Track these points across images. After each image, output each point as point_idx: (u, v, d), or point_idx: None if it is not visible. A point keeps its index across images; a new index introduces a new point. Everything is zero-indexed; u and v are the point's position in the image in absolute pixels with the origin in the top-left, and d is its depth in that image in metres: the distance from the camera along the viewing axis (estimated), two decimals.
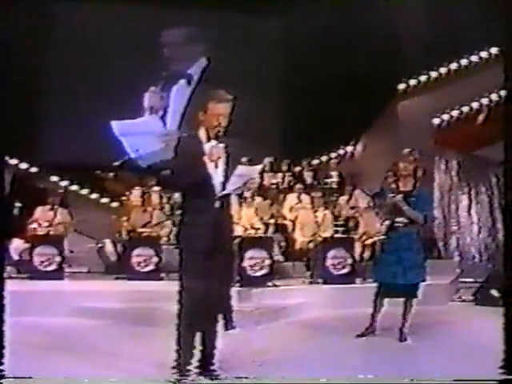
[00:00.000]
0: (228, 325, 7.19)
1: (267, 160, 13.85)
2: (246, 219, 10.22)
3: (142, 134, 4.99)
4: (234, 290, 7.49)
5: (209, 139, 4.84)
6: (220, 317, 4.98)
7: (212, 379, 4.80)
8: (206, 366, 4.88)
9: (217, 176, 4.80)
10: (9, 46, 4.24)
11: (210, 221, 4.72)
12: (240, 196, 5.12)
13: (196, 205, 4.78)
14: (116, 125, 5.05)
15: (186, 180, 4.74)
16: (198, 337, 4.87)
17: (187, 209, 4.89)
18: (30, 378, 4.28)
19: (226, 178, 4.80)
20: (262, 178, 13.49)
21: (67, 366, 5.36)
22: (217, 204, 4.78)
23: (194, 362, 4.84)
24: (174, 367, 4.75)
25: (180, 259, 4.84)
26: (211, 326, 4.91)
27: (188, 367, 4.78)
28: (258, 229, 10.36)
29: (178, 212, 4.93)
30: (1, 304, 3.98)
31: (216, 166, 4.80)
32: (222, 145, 4.83)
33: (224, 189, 4.79)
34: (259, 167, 5.02)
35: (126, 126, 5.07)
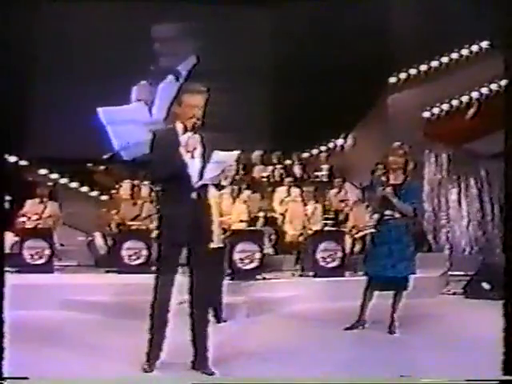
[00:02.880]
0: (219, 318, 7.24)
1: (257, 153, 13.83)
2: (236, 213, 10.20)
3: (129, 122, 5.02)
4: (225, 283, 7.61)
5: (185, 131, 4.88)
6: (210, 310, 4.99)
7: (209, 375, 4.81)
8: (199, 361, 4.88)
9: (193, 167, 4.82)
10: None
11: (188, 212, 4.76)
12: (217, 186, 5.25)
13: (173, 196, 4.84)
14: (103, 112, 5.09)
15: (163, 171, 4.80)
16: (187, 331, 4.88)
17: (165, 201, 4.97)
18: (29, 378, 4.28)
19: (203, 168, 4.83)
20: (252, 170, 13.52)
21: (57, 359, 5.36)
22: (193, 195, 4.81)
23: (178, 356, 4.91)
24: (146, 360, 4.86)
25: (158, 251, 4.95)
26: (199, 320, 4.90)
27: (156, 359, 4.87)
28: (246, 221, 10.34)
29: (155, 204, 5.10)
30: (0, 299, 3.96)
31: (192, 157, 4.82)
32: (197, 136, 4.86)
33: (201, 179, 4.82)
34: (236, 153, 5.02)
35: (112, 112, 5.10)
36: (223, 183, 4.96)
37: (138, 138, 4.89)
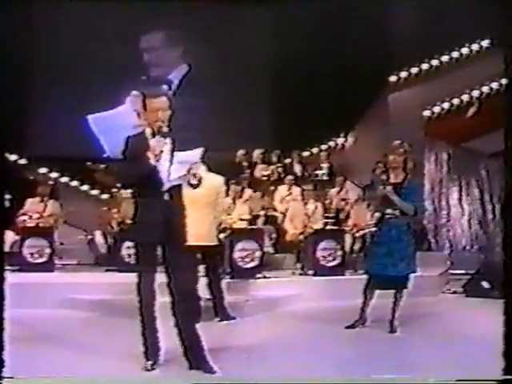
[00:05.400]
0: (223, 316, 7.24)
1: (258, 152, 13.81)
2: (237, 211, 10.20)
3: (119, 127, 5.08)
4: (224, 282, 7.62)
5: (153, 135, 4.97)
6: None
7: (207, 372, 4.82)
8: (196, 361, 4.89)
9: (162, 170, 4.90)
10: None
11: (161, 213, 4.89)
12: (191, 185, 5.35)
13: (146, 199, 4.98)
14: (93, 121, 5.16)
15: (133, 175, 4.95)
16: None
17: (139, 203, 5.07)
18: (29, 377, 4.28)
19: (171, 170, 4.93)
20: (253, 169, 13.51)
21: (57, 358, 5.36)
22: (165, 196, 4.93)
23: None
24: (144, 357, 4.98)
25: (136, 251, 5.08)
26: (183, 318, 4.94)
27: (156, 357, 4.99)
28: (246, 220, 10.32)
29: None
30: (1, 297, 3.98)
31: (158, 160, 4.89)
32: (164, 139, 4.91)
33: (170, 181, 4.93)
34: (199, 151, 5.08)
35: (102, 120, 5.15)
36: (193, 182, 5.08)
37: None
